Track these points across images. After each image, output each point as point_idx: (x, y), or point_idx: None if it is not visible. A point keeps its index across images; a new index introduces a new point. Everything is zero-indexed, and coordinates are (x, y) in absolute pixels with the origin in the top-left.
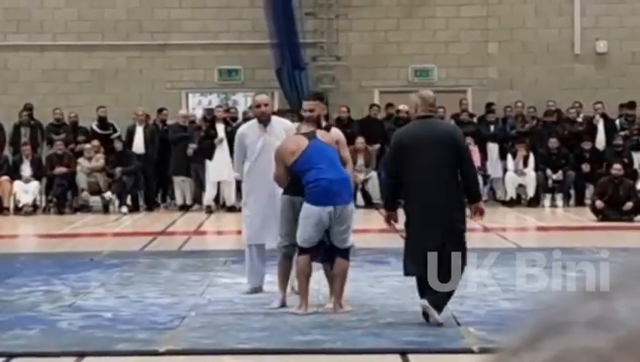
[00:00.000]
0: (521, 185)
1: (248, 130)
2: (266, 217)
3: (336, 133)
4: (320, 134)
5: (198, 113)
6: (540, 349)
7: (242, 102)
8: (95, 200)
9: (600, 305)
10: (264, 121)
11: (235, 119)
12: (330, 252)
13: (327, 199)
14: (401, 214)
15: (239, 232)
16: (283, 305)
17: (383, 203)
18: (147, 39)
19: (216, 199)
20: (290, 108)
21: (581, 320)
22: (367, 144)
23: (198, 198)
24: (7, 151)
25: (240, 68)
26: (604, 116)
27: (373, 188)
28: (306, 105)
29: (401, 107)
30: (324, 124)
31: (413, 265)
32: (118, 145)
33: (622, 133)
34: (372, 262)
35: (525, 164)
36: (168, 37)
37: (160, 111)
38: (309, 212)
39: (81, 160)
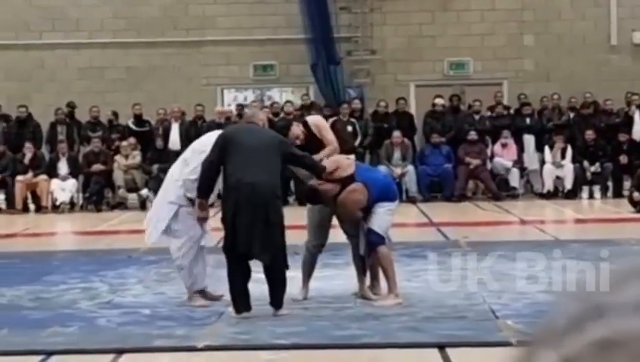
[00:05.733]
0: (558, 178)
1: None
2: None
3: (314, 122)
4: (315, 129)
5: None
6: (587, 330)
7: (277, 97)
8: (132, 198)
9: None
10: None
11: (276, 114)
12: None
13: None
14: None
15: None
16: (305, 298)
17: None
18: (182, 36)
19: None
20: (326, 104)
21: (630, 301)
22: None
23: None
24: (44, 150)
25: (275, 63)
26: None
27: (410, 181)
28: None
29: (436, 100)
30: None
31: None
32: (160, 143)
33: None
34: (409, 256)
35: (563, 156)
36: (203, 33)
37: (200, 106)
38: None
39: (117, 157)
